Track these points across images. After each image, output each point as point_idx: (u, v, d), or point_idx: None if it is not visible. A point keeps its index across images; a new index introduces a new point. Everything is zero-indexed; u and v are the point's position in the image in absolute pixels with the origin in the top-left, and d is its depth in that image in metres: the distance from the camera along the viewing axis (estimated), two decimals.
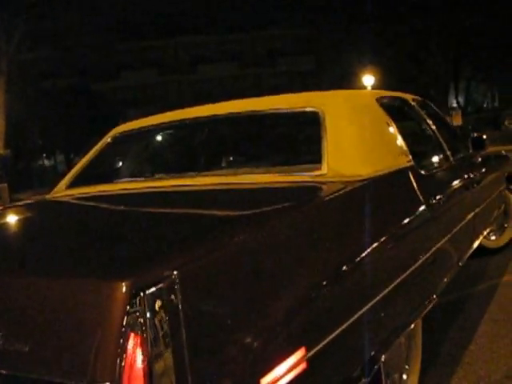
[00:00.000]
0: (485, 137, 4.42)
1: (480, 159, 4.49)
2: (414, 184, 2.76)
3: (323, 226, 1.98)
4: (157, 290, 1.26)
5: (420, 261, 2.52)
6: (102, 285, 1.31)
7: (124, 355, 1.24)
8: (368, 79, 26.71)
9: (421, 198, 2.72)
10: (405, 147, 2.89)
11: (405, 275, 2.32)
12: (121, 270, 1.37)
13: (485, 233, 4.47)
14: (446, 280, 3.05)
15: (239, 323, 1.43)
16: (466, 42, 29.54)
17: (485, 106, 36.34)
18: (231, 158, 3.35)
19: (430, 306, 2.65)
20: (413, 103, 3.66)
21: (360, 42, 30.51)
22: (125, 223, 2.15)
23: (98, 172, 3.39)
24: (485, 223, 4.26)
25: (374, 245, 2.13)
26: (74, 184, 3.21)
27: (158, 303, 1.25)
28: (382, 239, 2.23)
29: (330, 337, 1.73)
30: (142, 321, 1.24)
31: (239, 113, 3.03)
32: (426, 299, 2.64)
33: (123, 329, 1.25)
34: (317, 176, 2.43)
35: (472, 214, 3.63)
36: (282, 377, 1.48)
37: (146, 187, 2.85)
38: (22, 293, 1.44)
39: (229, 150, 3.44)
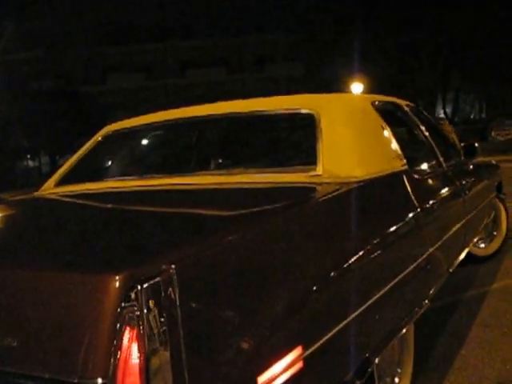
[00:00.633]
0: (476, 144, 4.44)
1: (471, 167, 4.50)
2: (409, 188, 2.75)
3: (318, 226, 1.96)
4: (154, 283, 1.22)
5: (412, 265, 2.51)
6: (98, 277, 1.27)
7: (118, 350, 1.21)
8: (356, 87, 26.82)
9: (415, 202, 2.71)
10: (399, 151, 2.88)
11: (398, 279, 2.30)
12: (117, 263, 1.34)
13: (474, 240, 4.47)
14: (436, 285, 3.04)
15: (237, 320, 1.40)
16: (455, 54, 29.75)
17: (472, 116, 36.58)
18: (226, 159, 3.32)
19: (422, 311, 2.64)
20: (406, 109, 3.66)
21: (349, 50, 30.62)
22: (119, 220, 2.11)
23: (88, 170, 3.35)
24: (475, 230, 4.26)
25: (369, 247, 2.12)
26: (63, 182, 3.17)
27: (155, 297, 1.22)
28: (376, 242, 2.21)
29: (326, 337, 1.71)
30: (138, 314, 1.20)
31: (235, 113, 3.01)
32: (418, 304, 2.63)
33: (118, 322, 1.21)
34: (312, 176, 2.41)
35: (463, 220, 3.63)
36: (279, 375, 1.45)
37: (140, 186, 2.81)
38: (12, 287, 1.40)
39: (223, 151, 3.42)
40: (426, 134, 3.66)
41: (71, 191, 2.97)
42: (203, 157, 3.39)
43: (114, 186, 2.97)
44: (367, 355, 2.04)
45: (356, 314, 1.91)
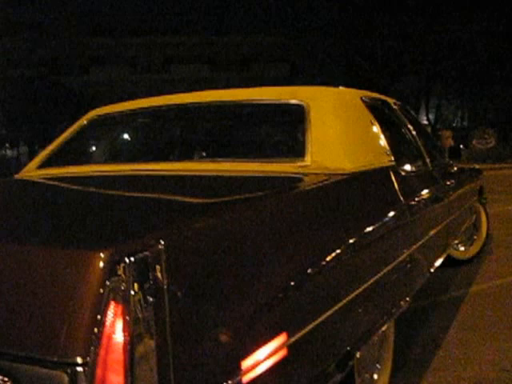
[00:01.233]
0: (461, 146, 4.45)
1: (455, 169, 4.52)
2: (395, 184, 2.74)
3: (304, 215, 1.93)
4: (142, 257, 1.17)
5: (395, 261, 2.49)
6: (83, 251, 1.23)
7: (102, 327, 1.16)
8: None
9: (400, 198, 2.70)
10: (387, 146, 2.87)
11: (380, 274, 2.29)
12: (104, 237, 1.30)
13: (456, 242, 4.49)
14: (418, 284, 3.03)
15: (224, 303, 1.36)
16: (439, 62, 29.99)
17: (454, 124, 36.85)
18: (213, 147, 3.28)
19: (404, 309, 2.63)
20: (395, 107, 3.66)
21: (335, 53, 30.75)
22: (104, 201, 2.06)
23: (71, 154, 3.28)
24: (456, 232, 4.27)
25: (353, 240, 2.09)
26: (45, 164, 3.11)
27: (142, 272, 1.17)
28: (361, 235, 2.19)
29: (310, 326, 1.69)
30: (124, 289, 1.15)
31: (223, 101, 2.97)
32: (399, 301, 2.62)
33: (103, 298, 1.16)
34: (300, 167, 2.39)
35: (446, 220, 3.64)
36: (262, 361, 1.42)
37: (124, 171, 2.76)
38: None
39: (211, 139, 3.37)
40: (413, 132, 3.67)
41: (53, 174, 2.92)
42: (189, 144, 3.35)
43: (98, 170, 2.92)
44: (349, 348, 2.02)
45: (339, 306, 1.89)
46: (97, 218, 1.65)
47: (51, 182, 2.73)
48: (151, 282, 1.18)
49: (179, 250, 1.29)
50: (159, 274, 1.20)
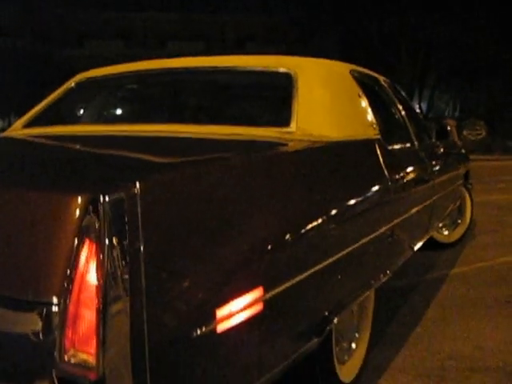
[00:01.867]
0: (448, 128, 4.46)
1: (442, 150, 4.52)
2: (380, 156, 2.74)
3: (287, 177, 1.92)
4: (117, 198, 1.18)
5: (376, 232, 2.50)
6: (58, 190, 1.23)
7: (76, 266, 1.17)
8: None
9: (384, 171, 2.70)
10: (374, 120, 2.87)
11: (361, 242, 2.29)
12: (79, 179, 1.29)
13: (440, 224, 4.51)
14: (399, 259, 3.05)
15: (199, 251, 1.37)
16: (434, 52, 29.94)
17: (446, 114, 36.84)
18: (199, 111, 3.27)
19: (384, 280, 2.65)
20: (384, 84, 3.65)
21: (329, 38, 30.62)
22: (85, 154, 2.07)
23: (58, 114, 3.26)
24: (440, 213, 4.29)
25: (334, 206, 2.09)
26: (31, 124, 3.08)
27: (117, 212, 1.17)
28: (342, 203, 2.19)
29: (288, 284, 1.69)
30: (98, 227, 1.15)
31: (211, 67, 2.96)
32: (380, 272, 2.63)
33: (77, 237, 1.17)
34: (285, 133, 2.38)
35: (430, 200, 3.65)
36: (237, 312, 1.43)
37: (110, 131, 2.74)
38: None
39: (196, 104, 3.36)
40: (401, 110, 3.66)
41: (38, 133, 2.90)
42: (176, 108, 3.34)
43: (83, 130, 2.91)
44: (326, 313, 2.03)
45: (318, 268, 1.90)
46: (75, 168, 1.64)
47: (35, 140, 2.72)
48: (126, 223, 1.18)
49: (155, 195, 1.29)
50: (134, 217, 1.20)
